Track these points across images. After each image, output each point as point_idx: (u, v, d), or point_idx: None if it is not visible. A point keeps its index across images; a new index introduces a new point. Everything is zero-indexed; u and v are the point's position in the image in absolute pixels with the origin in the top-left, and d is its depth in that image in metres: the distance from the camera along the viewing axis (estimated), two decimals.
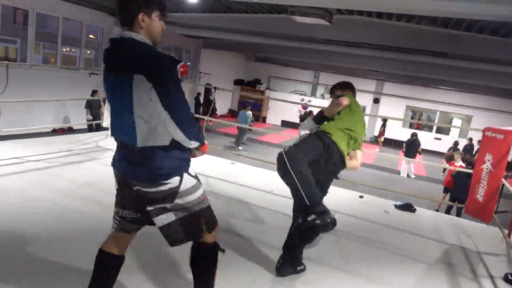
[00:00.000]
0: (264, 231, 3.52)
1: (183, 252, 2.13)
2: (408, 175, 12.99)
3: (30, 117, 9.70)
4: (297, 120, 18.38)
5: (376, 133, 20.21)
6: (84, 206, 3.45)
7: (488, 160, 3.82)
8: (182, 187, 1.81)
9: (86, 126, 9.85)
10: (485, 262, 3.54)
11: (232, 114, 21.28)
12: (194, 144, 1.77)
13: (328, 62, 15.98)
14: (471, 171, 5.73)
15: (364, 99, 21.24)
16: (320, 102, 20.93)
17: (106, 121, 5.90)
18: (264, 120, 21.91)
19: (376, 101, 21.09)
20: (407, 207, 4.79)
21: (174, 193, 1.79)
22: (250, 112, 13.65)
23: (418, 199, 5.51)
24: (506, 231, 3.99)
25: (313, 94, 21.86)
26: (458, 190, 8.52)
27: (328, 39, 10.34)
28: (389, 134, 18.52)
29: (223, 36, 12.16)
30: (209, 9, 10.43)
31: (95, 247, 1.98)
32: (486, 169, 3.84)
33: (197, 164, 5.33)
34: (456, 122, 20.52)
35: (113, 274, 1.93)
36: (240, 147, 13.07)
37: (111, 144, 5.70)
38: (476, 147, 15.33)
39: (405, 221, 4.39)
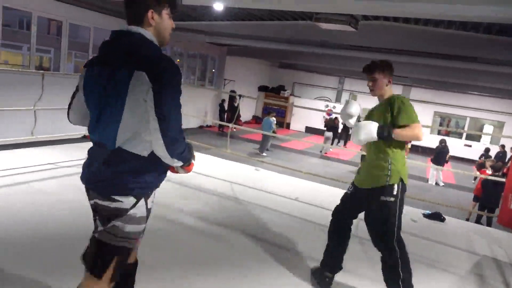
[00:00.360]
0: (290, 238, 3.51)
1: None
2: (436, 183, 12.64)
3: (64, 123, 10.09)
4: (322, 126, 18.23)
5: None
6: None
7: None
8: (131, 212, 1.58)
9: None
10: None
11: (256, 120, 21.37)
12: (177, 163, 1.60)
13: (353, 68, 15.82)
14: (501, 179, 5.55)
15: None
16: None
17: None
18: (288, 126, 21.87)
19: None
20: (436, 216, 4.66)
21: (119, 214, 1.57)
22: (274, 118, 13.67)
23: (447, 208, 5.36)
24: None
25: (337, 100, 21.67)
26: (486, 198, 8.25)
27: (353, 45, 10.25)
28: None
29: (248, 43, 12.28)
30: (233, 16, 10.56)
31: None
32: None
33: (222, 170, 5.41)
34: (488, 128, 19.81)
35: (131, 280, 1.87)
36: (264, 153, 13.10)
37: None
38: (509, 154, 14.77)
39: (433, 230, 4.28)
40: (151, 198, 1.68)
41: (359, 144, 2.44)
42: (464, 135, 19.84)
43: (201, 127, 17.27)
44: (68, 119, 1.89)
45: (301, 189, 5.12)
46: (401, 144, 2.41)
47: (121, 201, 1.56)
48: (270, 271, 2.88)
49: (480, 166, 8.19)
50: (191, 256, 2.94)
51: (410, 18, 8.29)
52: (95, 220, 1.66)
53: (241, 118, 18.87)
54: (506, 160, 14.20)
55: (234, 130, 15.97)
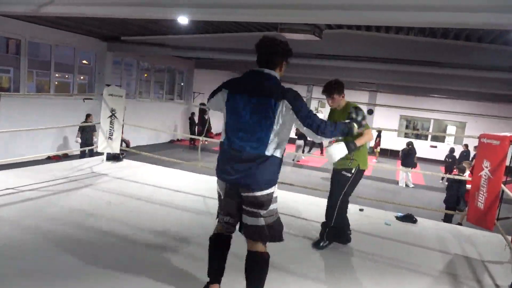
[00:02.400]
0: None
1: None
2: (406, 185, 12.96)
3: (26, 145, 9.66)
4: (293, 135, 18.38)
5: (372, 144, 20.25)
6: (81, 234, 3.38)
7: (486, 167, 3.81)
8: (274, 195, 2.29)
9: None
10: (490, 271, 3.49)
11: None
12: (324, 133, 2.25)
13: (320, 76, 16.11)
14: (465, 178, 5.80)
15: None
16: None
17: (100, 146, 5.85)
18: None
19: (370, 112, 21.21)
20: (408, 218, 4.75)
21: (269, 199, 2.25)
22: None
23: (419, 209, 5.46)
24: (510, 238, 3.96)
25: None
26: (449, 198, 8.58)
27: (319, 53, 10.44)
28: (385, 144, 18.57)
29: (215, 55, 12.27)
30: (199, 29, 10.54)
31: (91, 278, 1.93)
32: (485, 176, 3.82)
33: (194, 184, 5.25)
34: (451, 129, 20.65)
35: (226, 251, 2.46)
36: None
37: (106, 169, 5.67)
38: (472, 153, 15.39)
39: (406, 232, 4.34)
40: None
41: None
42: (430, 136, 20.56)
43: (171, 141, 17.02)
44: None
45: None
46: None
47: (270, 191, 2.24)
48: None
49: (461, 171, 8.47)
50: (176, 276, 2.83)
51: (371, 26, 8.55)
52: (241, 213, 2.32)
53: (212, 130, 18.74)
54: (470, 158, 14.78)
55: (206, 143, 15.85)
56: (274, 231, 2.30)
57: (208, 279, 2.49)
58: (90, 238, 3.33)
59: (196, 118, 17.17)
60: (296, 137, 16.15)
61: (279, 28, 5.60)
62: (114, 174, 5.46)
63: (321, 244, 3.60)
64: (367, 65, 10.60)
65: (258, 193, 2.20)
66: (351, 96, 21.24)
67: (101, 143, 5.79)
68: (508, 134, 3.79)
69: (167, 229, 3.72)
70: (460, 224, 8.71)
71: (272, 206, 2.29)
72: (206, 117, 16.84)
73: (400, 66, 10.39)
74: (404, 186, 12.89)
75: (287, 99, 2.15)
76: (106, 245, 3.24)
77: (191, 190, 5.10)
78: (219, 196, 2.44)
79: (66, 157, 10.60)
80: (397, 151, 16.10)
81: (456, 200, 8.54)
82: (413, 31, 8.46)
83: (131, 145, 11.11)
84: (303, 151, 16.15)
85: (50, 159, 9.80)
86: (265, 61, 2.26)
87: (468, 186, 8.87)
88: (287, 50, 2.31)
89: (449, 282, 3.21)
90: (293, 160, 15.44)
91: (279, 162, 2.27)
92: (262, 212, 2.24)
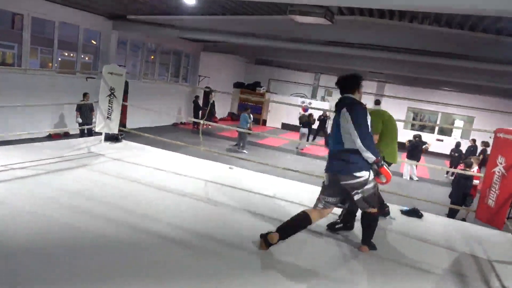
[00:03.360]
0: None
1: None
2: (411, 178, 12.77)
3: (27, 121, 9.53)
4: (297, 123, 18.15)
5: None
6: (72, 217, 3.25)
7: (500, 163, 3.63)
8: (369, 179, 3.05)
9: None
10: (497, 272, 3.33)
11: (232, 117, 21.11)
12: (367, 154, 2.97)
13: (328, 64, 15.82)
14: (478, 174, 5.61)
15: (365, 101, 20.96)
16: (321, 105, 20.73)
17: (98, 125, 5.69)
18: (264, 123, 21.72)
19: (377, 102, 20.74)
20: (414, 213, 4.58)
21: (364, 182, 3.04)
22: (250, 115, 13.48)
23: (423, 202, 5.29)
24: None
25: (313, 96, 21.66)
26: (455, 193, 8.39)
27: (328, 40, 10.16)
28: None
29: (222, 38, 12.00)
30: (207, 11, 10.26)
31: (82, 264, 1.79)
32: (498, 172, 3.64)
33: (195, 169, 5.06)
34: (458, 123, 20.30)
35: (300, 228, 3.21)
36: (245, 151, 12.88)
37: (104, 149, 5.53)
38: (479, 148, 15.12)
39: (412, 227, 4.18)
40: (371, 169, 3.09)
41: None
42: (436, 130, 20.25)
43: (175, 124, 16.85)
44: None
45: (278, 188, 4.93)
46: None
47: (362, 176, 3.01)
48: (254, 279, 2.67)
49: (468, 166, 8.23)
50: (167, 266, 2.70)
51: (384, 13, 8.25)
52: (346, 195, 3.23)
53: (216, 115, 18.55)
54: (477, 153, 14.52)
55: (209, 127, 15.69)
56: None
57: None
58: (78, 221, 3.20)
59: (200, 102, 16.95)
60: (300, 125, 15.93)
61: (289, 10, 5.37)
62: (111, 155, 5.32)
63: (336, 226, 3.72)
64: (378, 53, 10.31)
65: None
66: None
67: (99, 123, 5.64)
68: None
69: (160, 214, 3.58)
70: (464, 219, 8.56)
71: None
72: (211, 101, 16.65)
73: (411, 56, 10.10)
74: (408, 179, 12.70)
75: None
76: (93, 228, 3.10)
77: (191, 174, 4.95)
78: None
79: (67, 135, 10.50)
80: (403, 143, 15.82)
81: (462, 195, 8.34)
82: (428, 20, 8.15)
83: (134, 127, 10.95)
84: (307, 140, 15.96)
85: (51, 138, 9.69)
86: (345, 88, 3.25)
87: (475, 182, 8.68)
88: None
89: (455, 282, 3.05)
90: (297, 148, 15.24)
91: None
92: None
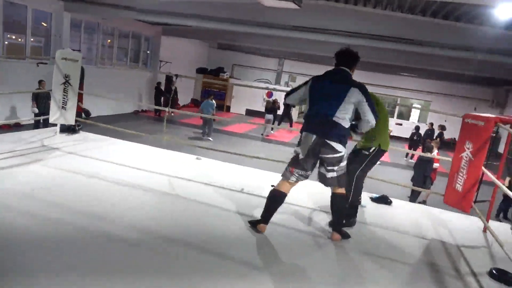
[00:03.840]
0: (238, 239, 3.17)
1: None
2: None
3: None
4: (262, 109, 18.08)
5: None
6: (24, 220, 2.94)
7: (468, 148, 3.67)
8: (344, 156, 3.17)
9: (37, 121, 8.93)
10: (467, 258, 3.38)
11: (195, 103, 20.66)
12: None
13: (292, 50, 15.74)
14: (439, 156, 5.77)
15: None
16: (284, 90, 20.72)
17: (52, 116, 5.24)
18: (228, 109, 21.45)
19: None
20: (383, 200, 4.61)
21: (340, 159, 3.13)
22: (213, 101, 13.20)
23: (389, 187, 5.34)
24: (486, 222, 3.90)
25: (277, 82, 21.60)
26: (417, 176, 8.66)
27: (294, 25, 10.01)
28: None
29: (183, 22, 11.52)
30: None
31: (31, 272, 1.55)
32: (466, 157, 3.69)
33: (158, 161, 4.79)
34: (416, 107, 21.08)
35: (280, 204, 3.27)
36: (210, 138, 12.62)
37: (59, 142, 5.12)
38: (436, 131, 15.75)
39: (382, 215, 4.19)
40: None
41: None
42: (396, 114, 20.91)
43: (136, 112, 16.23)
44: (286, 100, 3.47)
45: (246, 179, 4.79)
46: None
47: (341, 152, 3.12)
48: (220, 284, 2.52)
49: (428, 150, 8.45)
50: (125, 269, 2.48)
51: None
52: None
53: (179, 102, 18.06)
54: (434, 137, 15.12)
55: (172, 114, 15.23)
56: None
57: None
58: (27, 222, 2.90)
59: (163, 88, 16.39)
60: (265, 111, 15.86)
61: None
62: (67, 148, 4.92)
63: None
64: (342, 39, 10.30)
65: None
66: (324, 70, 21.12)
67: (53, 113, 5.20)
68: (492, 115, 3.65)
69: (123, 213, 3.34)
70: (425, 202, 8.87)
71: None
72: (173, 87, 16.15)
73: (373, 42, 10.17)
74: None
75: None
76: (43, 230, 2.82)
77: (155, 167, 4.69)
78: None
79: (18, 126, 9.76)
80: None
81: (423, 178, 8.62)
82: (392, 6, 8.20)
83: (92, 115, 10.37)
84: (272, 126, 15.93)
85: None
86: (341, 63, 3.29)
87: (436, 165, 9.00)
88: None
89: (428, 270, 3.07)
90: (262, 134, 15.19)
91: None
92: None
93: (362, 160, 3.60)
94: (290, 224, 3.54)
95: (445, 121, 16.98)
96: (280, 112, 16.87)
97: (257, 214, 3.42)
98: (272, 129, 16.45)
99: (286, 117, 17.11)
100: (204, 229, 3.22)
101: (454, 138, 19.70)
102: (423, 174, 8.68)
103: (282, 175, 3.27)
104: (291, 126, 17.09)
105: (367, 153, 3.59)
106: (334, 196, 3.27)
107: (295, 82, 21.37)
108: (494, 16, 6.48)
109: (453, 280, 2.97)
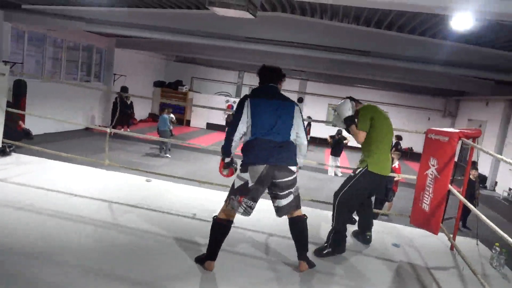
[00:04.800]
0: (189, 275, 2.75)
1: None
2: (335, 174, 13.03)
3: None
4: (223, 123, 17.73)
5: None
6: None
7: (433, 165, 3.49)
8: (296, 177, 2.92)
9: None
10: (437, 280, 3.17)
11: (153, 118, 19.94)
12: (304, 155, 3.06)
13: (252, 62, 15.58)
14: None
15: None
16: None
17: None
18: (188, 123, 20.89)
19: (300, 100, 21.27)
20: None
21: (296, 180, 2.89)
22: (172, 115, 12.67)
23: None
24: (452, 239, 3.72)
25: (237, 95, 21.38)
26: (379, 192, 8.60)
27: (251, 37, 9.80)
28: (314, 132, 18.71)
29: (137, 33, 11.00)
30: (118, 3, 9.26)
31: None
32: (431, 174, 3.51)
33: (102, 185, 4.19)
34: None
35: (226, 234, 2.87)
36: (167, 155, 12.04)
37: None
38: (393, 141, 16.06)
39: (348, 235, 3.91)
40: None
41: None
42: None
43: (87, 128, 15.28)
44: (232, 138, 2.86)
45: (200, 201, 4.38)
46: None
47: (295, 172, 2.93)
48: None
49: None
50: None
51: (306, 10, 8.10)
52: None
53: (136, 117, 17.33)
54: (392, 147, 15.39)
55: (128, 130, 14.47)
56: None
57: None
58: None
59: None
60: (226, 125, 15.48)
61: (208, 2, 4.81)
62: None
63: (324, 251, 3.27)
64: (299, 51, 10.22)
65: None
66: (283, 83, 21.14)
67: None
68: (456, 130, 3.50)
69: (56, 250, 2.83)
70: (386, 215, 8.82)
71: None
72: (128, 102, 15.43)
73: (331, 54, 10.16)
74: (333, 175, 12.93)
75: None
76: None
77: (97, 192, 4.17)
78: None
79: None
80: (326, 140, 16.23)
81: (385, 191, 8.55)
82: (348, 18, 8.18)
83: (38, 133, 9.52)
84: None
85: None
86: (269, 80, 3.02)
87: (395, 175, 8.99)
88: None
89: None
90: None
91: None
92: None
93: (346, 183, 3.35)
94: (246, 253, 3.17)
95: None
96: None
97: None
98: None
99: None
100: (149, 267, 2.78)
101: (411, 148, 20.35)
102: (385, 187, 8.62)
103: (227, 204, 2.84)
104: None
105: (352, 174, 3.35)
106: (293, 221, 2.93)
107: None
108: (450, 28, 6.55)
109: None
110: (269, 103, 2.83)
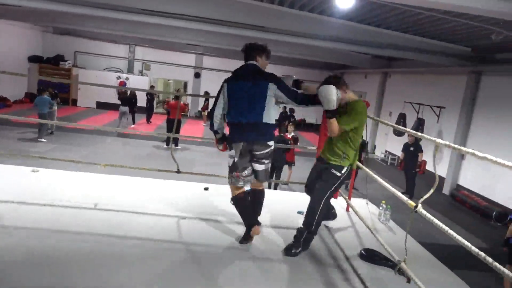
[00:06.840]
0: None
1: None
2: None
3: None
4: (116, 101, 16.53)
5: (200, 107, 20.27)
6: None
7: None
8: (272, 149, 3.23)
9: None
10: (337, 241, 3.48)
11: (31, 99, 17.68)
12: (301, 102, 3.16)
13: (144, 36, 14.66)
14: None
15: (185, 74, 20.78)
16: (139, 79, 19.38)
17: None
18: (74, 103, 19.04)
19: (197, 75, 20.93)
20: None
21: (271, 152, 3.21)
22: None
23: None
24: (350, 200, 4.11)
25: (130, 70, 20.09)
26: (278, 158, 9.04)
27: (142, 8, 9.16)
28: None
29: (4, 0, 9.41)
30: None
31: None
32: None
33: None
34: None
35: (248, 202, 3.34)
36: (43, 139, 10.80)
37: None
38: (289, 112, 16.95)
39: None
40: None
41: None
42: None
43: None
44: (213, 119, 3.24)
45: (100, 190, 4.05)
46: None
47: (271, 146, 3.18)
48: None
49: (284, 130, 8.79)
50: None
51: None
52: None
53: (8, 98, 15.16)
54: (292, 119, 16.31)
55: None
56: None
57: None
58: None
59: None
60: (120, 103, 14.44)
61: None
62: None
63: (293, 250, 3.09)
64: (194, 25, 9.92)
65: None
66: (177, 59, 20.40)
67: None
68: None
69: None
70: (286, 183, 9.38)
71: None
72: None
73: (226, 28, 10.10)
74: None
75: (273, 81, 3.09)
76: None
77: None
78: None
79: None
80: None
81: (284, 162, 9.03)
82: None
83: None
84: (128, 120, 14.74)
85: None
86: (246, 57, 3.26)
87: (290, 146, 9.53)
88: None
89: (308, 258, 3.01)
90: (117, 130, 13.71)
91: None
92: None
93: (333, 183, 3.17)
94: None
95: None
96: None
97: (119, 233, 2.81)
98: (134, 122, 15.24)
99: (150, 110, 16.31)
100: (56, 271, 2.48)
101: (304, 119, 21.70)
102: (283, 159, 9.04)
103: (229, 183, 3.26)
104: (148, 121, 16.45)
105: (338, 174, 3.16)
106: (255, 191, 3.34)
107: (149, 70, 20.18)
108: (335, 6, 6.99)
109: (332, 268, 2.97)
110: (243, 86, 3.08)
